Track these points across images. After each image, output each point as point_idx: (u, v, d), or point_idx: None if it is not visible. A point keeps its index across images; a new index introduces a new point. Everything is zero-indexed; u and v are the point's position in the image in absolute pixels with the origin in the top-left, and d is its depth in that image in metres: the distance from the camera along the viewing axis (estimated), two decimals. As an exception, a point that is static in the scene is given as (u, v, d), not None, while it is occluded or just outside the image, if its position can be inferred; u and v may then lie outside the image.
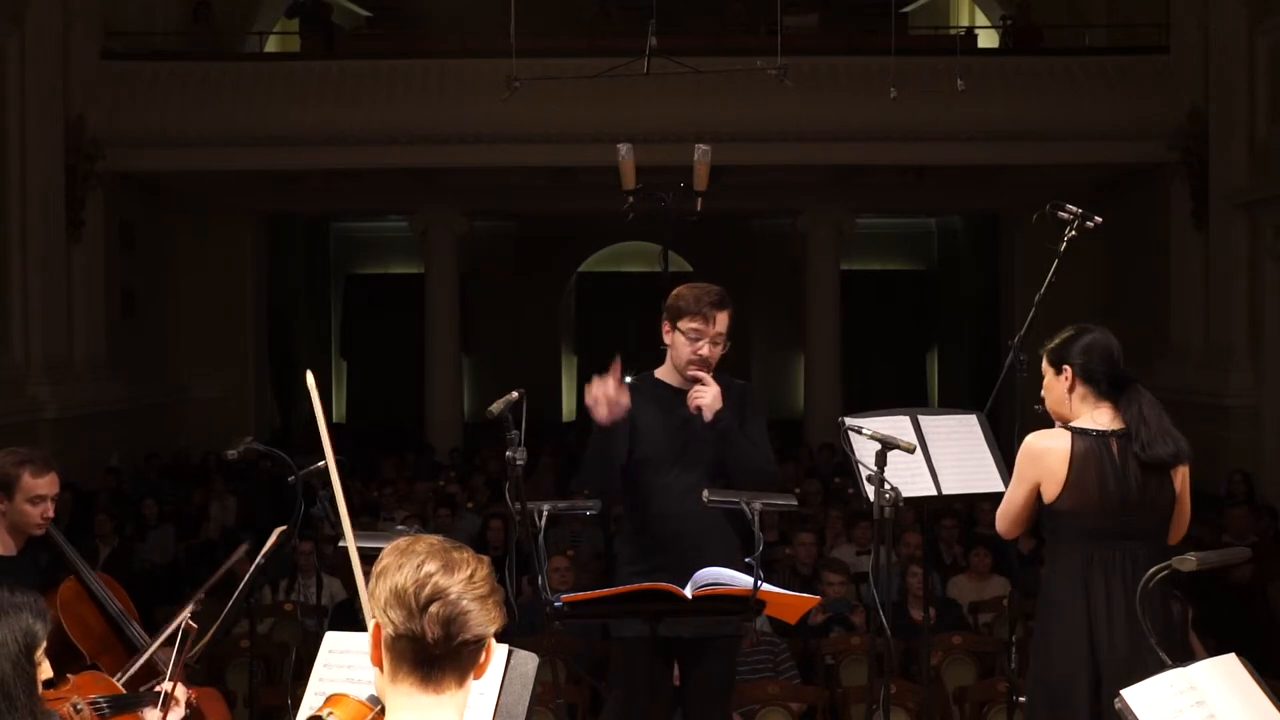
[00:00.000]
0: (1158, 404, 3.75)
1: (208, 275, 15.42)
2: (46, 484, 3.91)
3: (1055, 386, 3.81)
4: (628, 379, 4.13)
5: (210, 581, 4.03)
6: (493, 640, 2.03)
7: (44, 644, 2.29)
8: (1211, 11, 12.33)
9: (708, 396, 4.00)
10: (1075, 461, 3.65)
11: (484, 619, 1.98)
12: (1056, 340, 3.84)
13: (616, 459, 4.03)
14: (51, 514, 3.97)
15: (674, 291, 4.16)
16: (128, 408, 13.51)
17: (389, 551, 2.01)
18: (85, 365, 12.71)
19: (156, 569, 9.80)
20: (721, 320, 4.08)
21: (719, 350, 4.11)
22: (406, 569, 1.97)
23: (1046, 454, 3.69)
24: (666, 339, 4.15)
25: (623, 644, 4.17)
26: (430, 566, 1.96)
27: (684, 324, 4.08)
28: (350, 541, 2.68)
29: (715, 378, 4.15)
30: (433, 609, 1.94)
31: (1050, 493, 3.69)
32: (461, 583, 1.96)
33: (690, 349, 4.08)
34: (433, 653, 1.96)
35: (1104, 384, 3.74)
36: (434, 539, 2.04)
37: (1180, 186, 12.89)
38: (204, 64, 13.41)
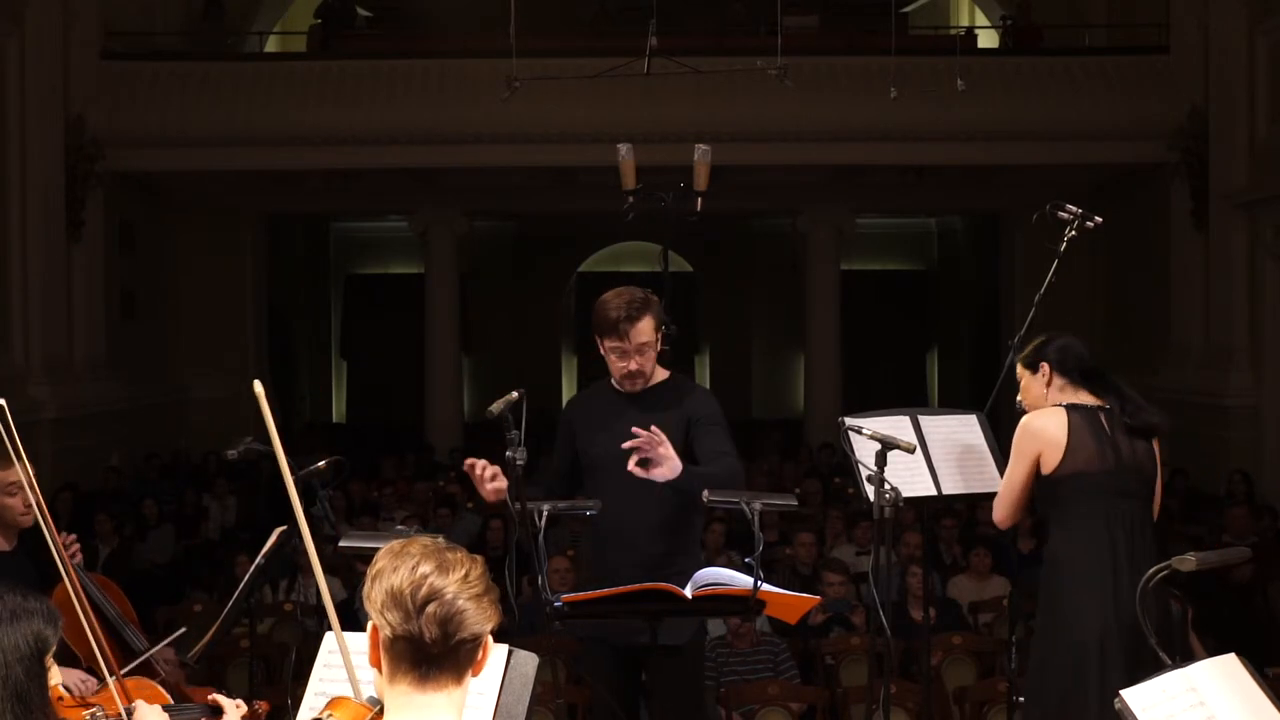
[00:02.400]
0: (1130, 386, 4.12)
1: (208, 275, 15.41)
2: (18, 472, 3.91)
3: (1033, 385, 4.12)
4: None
5: (248, 576, 4.00)
6: (489, 638, 2.05)
7: (54, 649, 2.30)
8: (1211, 11, 12.32)
9: (663, 469, 3.79)
10: (1073, 428, 3.95)
11: (480, 617, 2.00)
12: (1030, 347, 4.16)
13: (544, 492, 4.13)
14: (32, 500, 3.95)
15: (597, 301, 4.13)
16: (128, 408, 13.50)
17: (383, 554, 2.03)
18: (85, 365, 12.71)
19: (156, 569, 9.80)
20: (639, 331, 4.04)
21: (649, 357, 4.10)
22: (402, 570, 1.99)
23: (1047, 427, 3.97)
24: (601, 350, 4.16)
25: (585, 643, 4.20)
26: (425, 567, 1.99)
27: (606, 344, 4.10)
28: (321, 576, 2.68)
29: (669, 381, 4.18)
30: (429, 609, 1.96)
31: (1052, 461, 3.95)
32: (456, 582, 1.98)
33: (617, 368, 4.13)
34: (430, 652, 1.98)
35: (1077, 375, 4.07)
36: (427, 540, 2.06)
37: (1180, 186, 12.88)
38: (204, 64, 13.40)
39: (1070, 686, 3.86)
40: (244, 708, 2.98)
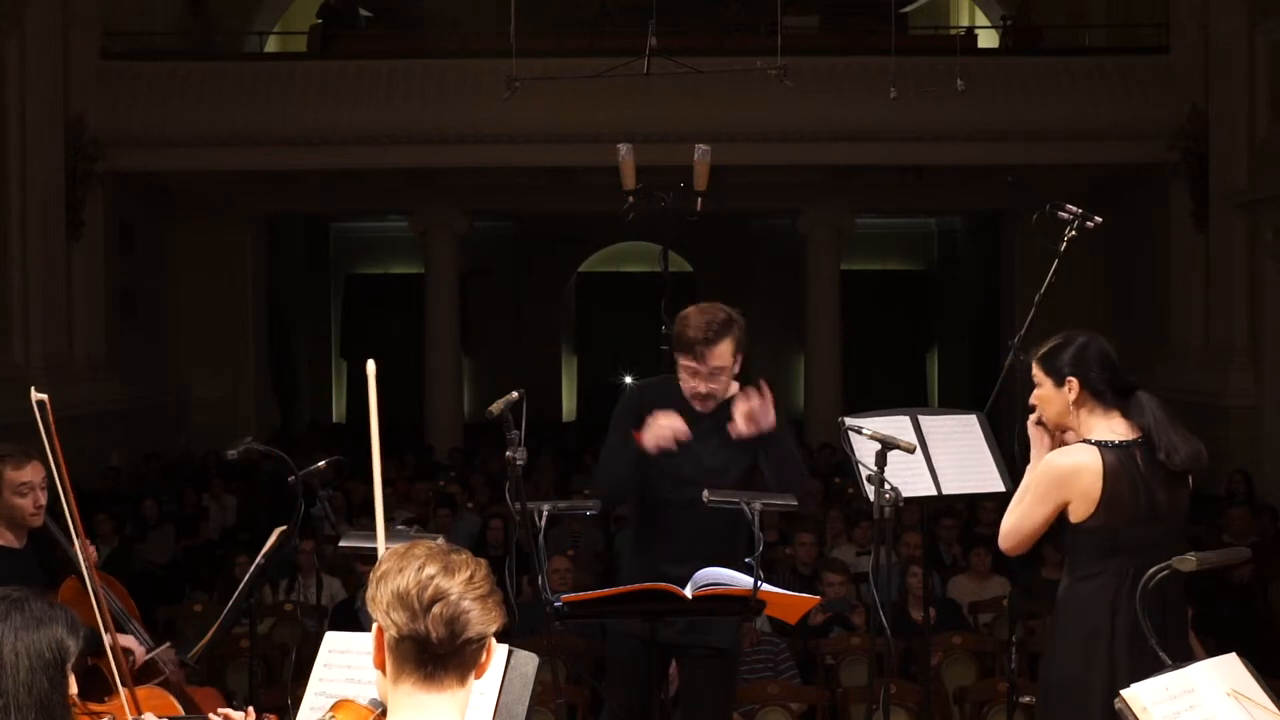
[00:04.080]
0: (1165, 405, 3.61)
1: (208, 275, 15.41)
2: (29, 473, 3.95)
3: (1056, 399, 3.62)
4: (638, 381, 4.17)
5: (248, 576, 3.98)
6: (493, 640, 2.08)
7: (74, 658, 2.28)
8: (1211, 11, 12.32)
9: (758, 421, 3.91)
10: (1109, 479, 3.47)
11: (485, 618, 2.03)
12: (1047, 347, 3.66)
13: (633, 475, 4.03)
14: (43, 501, 4.00)
15: (680, 314, 4.06)
16: (128, 408, 13.50)
17: (388, 556, 2.06)
18: (85, 365, 12.71)
19: (156, 569, 9.80)
20: (717, 355, 3.95)
21: (723, 382, 4.01)
22: (408, 572, 2.01)
23: (1079, 473, 3.50)
24: (678, 364, 4.09)
25: (614, 641, 4.19)
26: (431, 569, 2.02)
27: (682, 360, 4.01)
28: (381, 539, 2.69)
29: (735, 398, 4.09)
30: (435, 609, 1.99)
31: (1081, 512, 3.51)
32: (461, 584, 2.01)
33: (688, 385, 4.03)
34: (436, 651, 2.01)
35: (1109, 393, 3.58)
36: (431, 543, 2.09)
37: (1180, 186, 12.88)
38: (204, 64, 13.42)
39: None
40: (253, 716, 2.98)
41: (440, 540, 2.18)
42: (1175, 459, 3.49)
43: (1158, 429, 3.52)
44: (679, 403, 4.03)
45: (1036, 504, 3.57)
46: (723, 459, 4.02)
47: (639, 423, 3.98)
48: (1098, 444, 3.52)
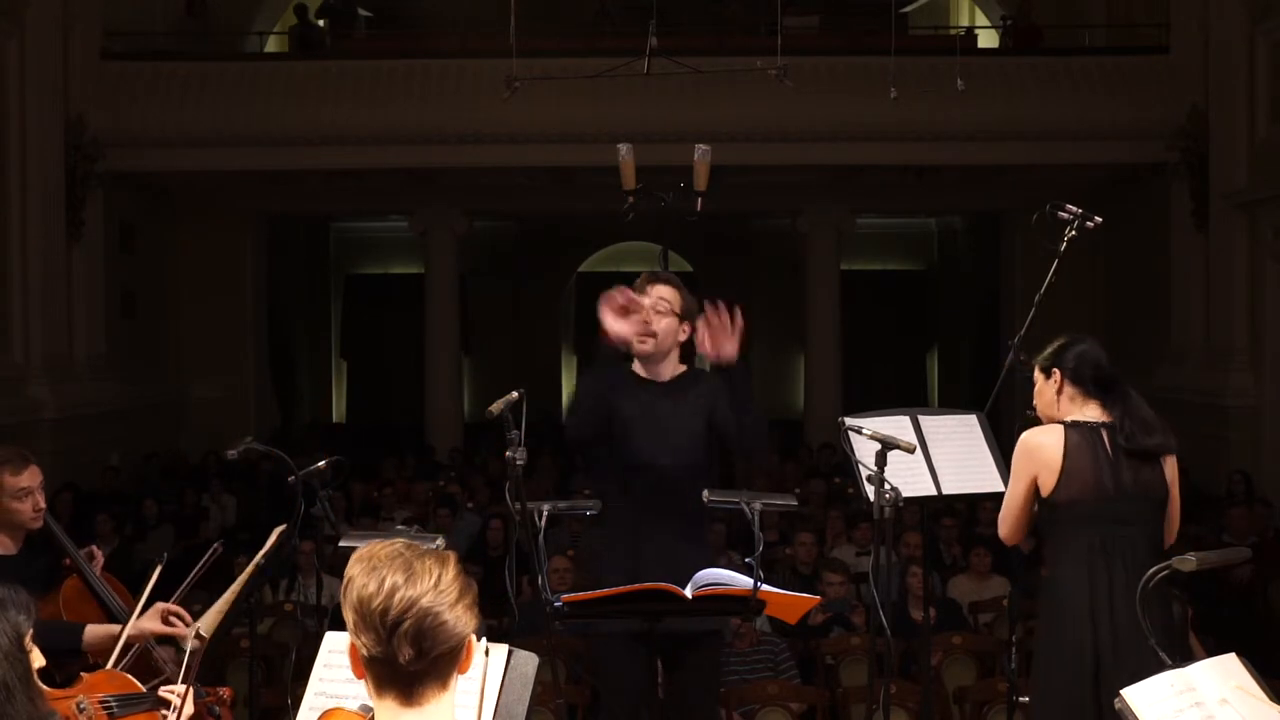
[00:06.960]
0: (1143, 400, 3.91)
1: (208, 275, 15.41)
2: (27, 477, 3.97)
3: (1045, 390, 3.95)
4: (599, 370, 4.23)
5: (250, 567, 3.99)
6: (472, 638, 1.97)
7: (30, 632, 2.29)
8: (1211, 11, 12.33)
9: (718, 342, 3.99)
10: (1070, 451, 3.78)
11: (456, 626, 1.92)
12: (1049, 349, 3.98)
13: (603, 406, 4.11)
14: (42, 504, 4.02)
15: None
16: (128, 408, 13.50)
17: (353, 563, 1.95)
18: (85, 365, 12.71)
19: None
20: (658, 290, 4.13)
21: (664, 322, 4.13)
22: (371, 584, 1.91)
23: (1042, 447, 3.82)
24: None
25: (601, 641, 4.20)
26: (395, 578, 1.90)
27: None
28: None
29: (691, 372, 4.24)
30: (403, 628, 1.89)
31: (1048, 484, 3.80)
32: (429, 592, 1.90)
33: (636, 327, 4.15)
34: (408, 670, 1.91)
35: (1091, 385, 3.88)
36: (398, 544, 1.96)
37: (1180, 186, 12.88)
38: (204, 64, 13.41)
39: (1072, 711, 3.74)
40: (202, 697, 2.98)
41: (440, 541, 2.16)
42: (1133, 442, 3.80)
43: (1124, 415, 3.84)
44: (630, 386, 4.18)
45: (1013, 481, 3.91)
46: (678, 426, 4.11)
47: (601, 392, 4.14)
48: (1066, 424, 3.86)
